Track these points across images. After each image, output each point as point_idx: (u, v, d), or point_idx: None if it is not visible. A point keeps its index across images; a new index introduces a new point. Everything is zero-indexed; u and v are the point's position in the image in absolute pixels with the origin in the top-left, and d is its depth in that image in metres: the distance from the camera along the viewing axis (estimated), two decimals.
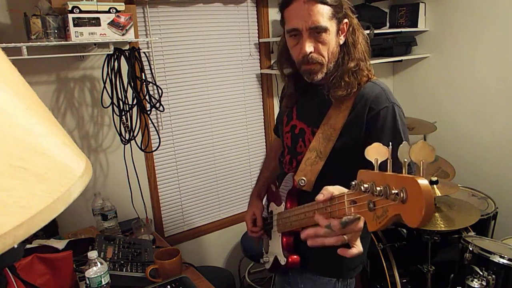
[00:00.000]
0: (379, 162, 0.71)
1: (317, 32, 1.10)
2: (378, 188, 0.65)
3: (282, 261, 1.25)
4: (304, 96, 1.27)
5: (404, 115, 1.16)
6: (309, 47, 1.11)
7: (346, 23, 1.14)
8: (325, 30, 1.09)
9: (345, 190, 0.82)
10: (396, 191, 0.61)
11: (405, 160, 0.65)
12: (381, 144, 0.71)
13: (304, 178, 1.17)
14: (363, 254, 1.32)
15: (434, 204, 0.58)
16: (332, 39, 1.12)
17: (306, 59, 1.13)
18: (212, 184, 2.52)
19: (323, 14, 1.08)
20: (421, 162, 0.63)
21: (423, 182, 0.58)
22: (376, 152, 0.71)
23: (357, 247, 0.87)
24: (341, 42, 1.15)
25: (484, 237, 2.03)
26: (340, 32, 1.14)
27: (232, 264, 2.65)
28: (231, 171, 2.59)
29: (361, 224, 0.82)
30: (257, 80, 2.58)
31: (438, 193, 2.01)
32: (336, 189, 0.84)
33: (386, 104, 1.11)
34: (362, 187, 0.69)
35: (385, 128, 1.10)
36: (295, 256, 1.23)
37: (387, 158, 0.69)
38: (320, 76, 1.16)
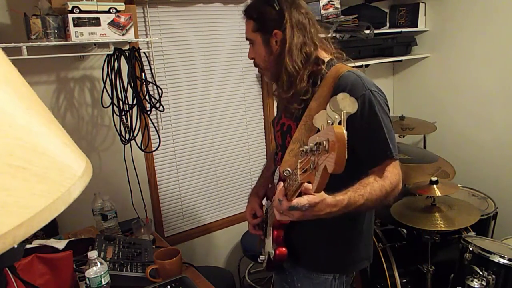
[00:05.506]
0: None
1: (249, 43, 1.26)
2: (310, 145, 0.70)
3: (271, 255, 1.26)
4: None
5: (387, 100, 1.16)
6: (249, 53, 1.29)
7: (276, 33, 1.18)
8: (251, 41, 1.25)
9: None
10: (320, 141, 0.66)
11: (336, 117, 0.70)
12: (325, 111, 0.76)
13: (288, 169, 1.19)
14: (364, 251, 1.32)
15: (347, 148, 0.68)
16: (260, 49, 1.23)
17: (254, 64, 1.30)
18: (212, 184, 2.52)
19: (249, 28, 1.24)
20: (343, 113, 0.68)
21: (338, 130, 0.63)
22: (322, 119, 0.76)
23: (307, 215, 0.94)
24: (278, 50, 1.20)
25: (484, 237, 2.03)
26: (272, 41, 1.20)
27: (232, 264, 2.65)
28: (231, 171, 2.58)
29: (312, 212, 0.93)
30: (257, 80, 2.58)
31: (438, 193, 2.02)
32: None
33: (363, 91, 1.11)
34: (303, 149, 0.75)
35: (363, 116, 1.09)
36: (283, 249, 1.25)
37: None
38: (267, 78, 1.32)
